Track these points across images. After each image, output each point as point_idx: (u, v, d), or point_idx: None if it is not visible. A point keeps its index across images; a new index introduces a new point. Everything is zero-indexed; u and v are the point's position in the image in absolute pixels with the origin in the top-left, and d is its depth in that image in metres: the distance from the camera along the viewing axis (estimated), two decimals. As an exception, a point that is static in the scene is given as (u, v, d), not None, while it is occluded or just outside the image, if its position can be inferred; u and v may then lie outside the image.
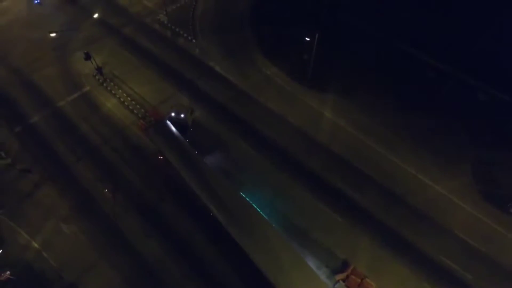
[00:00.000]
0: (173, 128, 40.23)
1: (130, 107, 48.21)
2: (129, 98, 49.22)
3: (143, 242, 36.85)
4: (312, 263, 33.17)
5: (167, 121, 41.20)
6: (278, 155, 43.33)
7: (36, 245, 36.61)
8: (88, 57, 49.14)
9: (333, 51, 52.66)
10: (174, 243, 36.87)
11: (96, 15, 57.17)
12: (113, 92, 50.00)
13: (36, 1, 63.14)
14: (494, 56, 49.67)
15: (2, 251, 35.39)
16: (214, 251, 36.11)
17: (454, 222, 38.29)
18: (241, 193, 35.73)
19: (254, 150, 43.67)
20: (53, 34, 49.85)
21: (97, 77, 51.64)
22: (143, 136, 44.69)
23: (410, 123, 46.24)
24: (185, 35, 58.20)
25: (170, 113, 43.36)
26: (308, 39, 46.58)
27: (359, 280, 33.62)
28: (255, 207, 34.42)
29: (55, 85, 51.02)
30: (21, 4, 63.94)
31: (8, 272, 33.07)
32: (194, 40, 57.33)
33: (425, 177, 41.68)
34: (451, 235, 37.52)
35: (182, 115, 43.45)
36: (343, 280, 33.89)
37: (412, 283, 34.27)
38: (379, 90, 49.30)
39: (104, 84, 50.94)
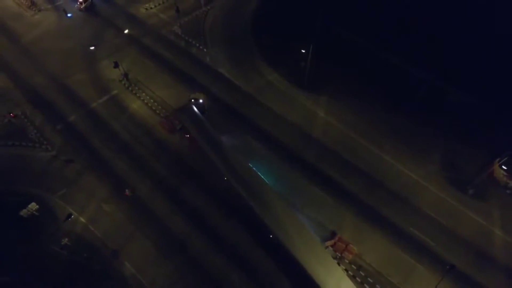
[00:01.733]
0: (196, 110, 50.14)
1: (153, 108, 56.67)
2: (151, 100, 57.67)
3: (169, 218, 45.31)
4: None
5: (192, 105, 51.10)
6: (278, 148, 51.73)
7: (83, 220, 45.01)
8: (116, 65, 57.64)
9: (327, 59, 60.91)
10: (194, 218, 45.30)
11: (126, 31, 65.51)
12: (137, 95, 58.46)
13: (68, 15, 71.11)
14: (463, 65, 58.54)
15: (55, 226, 43.81)
16: (228, 225, 44.55)
17: (423, 202, 46.84)
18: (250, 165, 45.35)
19: (258, 144, 52.02)
20: (92, 48, 58.26)
21: (123, 82, 60.04)
22: (164, 132, 53.23)
23: (390, 121, 54.77)
24: (197, 44, 66.63)
25: (191, 99, 52.86)
26: (303, 51, 55.03)
27: (344, 246, 42.28)
28: (262, 177, 43.71)
29: (87, 89, 59.42)
30: (51, 17, 72.27)
31: (66, 239, 41.53)
32: (205, 49, 65.73)
33: (401, 165, 50.24)
34: (420, 212, 46.03)
35: (201, 100, 53.47)
36: (332, 246, 42.47)
37: (386, 248, 42.81)
38: (365, 93, 57.80)
39: (130, 88, 59.37)
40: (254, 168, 45.18)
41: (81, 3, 73.02)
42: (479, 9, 67.88)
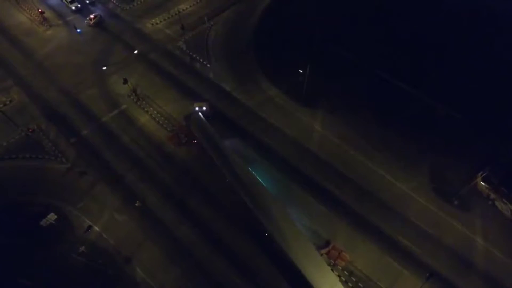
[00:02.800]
0: (202, 116, 55.19)
1: (160, 122, 60.53)
2: (158, 114, 61.53)
3: (177, 226, 49.13)
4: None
5: (198, 112, 56.46)
6: (277, 159, 55.52)
7: (97, 229, 48.86)
8: (125, 81, 61.58)
9: (323, 75, 64.86)
10: (199, 226, 49.10)
11: (136, 51, 69.32)
12: (145, 109, 62.33)
13: (78, 31, 75.10)
14: (449, 83, 62.48)
15: (72, 234, 47.68)
16: (231, 232, 48.34)
17: (411, 212, 50.62)
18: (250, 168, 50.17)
19: (258, 157, 55.81)
20: (104, 68, 62.16)
21: (131, 96, 63.89)
22: (171, 146, 57.10)
23: (382, 135, 58.54)
24: (201, 60, 70.50)
25: (195, 107, 57.79)
26: (301, 71, 58.88)
27: (338, 254, 46.14)
28: (261, 182, 48.43)
29: (98, 103, 63.29)
30: (62, 33, 76.20)
31: (83, 247, 45.41)
32: (208, 65, 69.56)
33: (391, 177, 54.04)
34: (408, 221, 49.81)
35: (204, 108, 58.23)
36: (326, 253, 46.29)
37: (376, 255, 46.59)
38: (359, 109, 61.61)
39: (138, 103, 63.22)
40: (253, 172, 49.69)
41: (91, 19, 76.96)
42: (466, 30, 71.91)
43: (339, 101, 62.91)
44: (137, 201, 50.41)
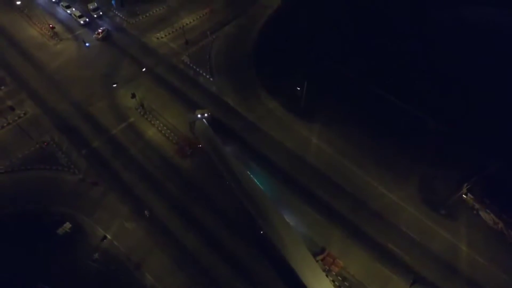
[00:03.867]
0: (205, 122, 59.67)
1: (166, 135, 64.18)
2: (165, 127, 65.19)
3: (183, 234, 52.74)
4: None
5: (202, 118, 60.84)
6: (275, 170, 59.15)
7: (109, 236, 52.50)
8: (133, 96, 65.34)
9: (320, 90, 68.49)
10: (204, 234, 52.75)
11: (144, 69, 73.16)
12: (152, 122, 65.98)
13: (87, 44, 78.81)
14: (438, 99, 66.25)
15: (86, 242, 51.39)
16: (233, 240, 52.02)
17: (401, 221, 54.29)
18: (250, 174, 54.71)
19: (259, 167, 59.39)
20: (114, 85, 65.89)
21: (138, 110, 67.55)
22: (177, 157, 60.76)
23: (376, 147, 62.16)
24: (204, 74, 74.16)
25: (198, 114, 61.80)
26: (298, 88, 62.60)
27: (332, 260, 49.81)
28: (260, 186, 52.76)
29: (107, 116, 66.93)
30: (72, 46, 79.86)
31: (97, 254, 49.14)
32: (211, 79, 73.20)
33: (383, 188, 57.72)
34: (398, 230, 53.50)
35: (206, 114, 61.96)
36: (322, 260, 49.96)
37: (367, 261, 50.26)
38: (354, 122, 65.26)
39: (145, 116, 66.87)
40: (251, 176, 54.29)
41: (98, 33, 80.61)
42: (453, 44, 75.78)
43: (335, 114, 66.56)
44: (146, 211, 54.00)
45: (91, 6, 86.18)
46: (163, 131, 64.63)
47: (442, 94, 67.48)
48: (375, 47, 75.56)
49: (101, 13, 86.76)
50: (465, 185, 55.15)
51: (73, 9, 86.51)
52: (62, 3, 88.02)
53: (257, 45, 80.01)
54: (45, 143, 61.67)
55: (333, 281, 48.33)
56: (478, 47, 75.25)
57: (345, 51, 75.71)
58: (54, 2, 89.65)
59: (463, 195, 55.53)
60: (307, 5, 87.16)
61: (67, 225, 51.33)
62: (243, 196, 51.53)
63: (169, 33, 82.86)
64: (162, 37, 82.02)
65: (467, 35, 78.56)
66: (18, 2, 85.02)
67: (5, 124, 64.99)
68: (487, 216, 53.68)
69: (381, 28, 79.53)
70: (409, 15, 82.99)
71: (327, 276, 47.60)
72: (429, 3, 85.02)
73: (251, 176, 54.61)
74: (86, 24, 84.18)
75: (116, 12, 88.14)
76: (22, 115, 66.62)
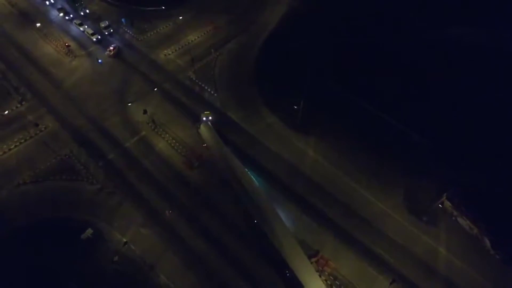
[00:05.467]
0: (209, 123, 67.01)
1: (175, 147, 70.36)
2: (174, 141, 71.38)
3: (192, 239, 58.92)
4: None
5: (206, 121, 68.48)
6: (273, 181, 65.31)
7: (125, 240, 58.72)
8: (145, 112, 71.65)
9: (316, 106, 74.63)
10: (211, 238, 58.97)
11: (155, 89, 79.58)
12: (162, 136, 72.16)
13: (99, 61, 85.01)
14: (424, 116, 72.76)
15: (106, 246, 57.60)
16: (237, 243, 58.20)
17: (387, 227, 60.62)
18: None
19: (259, 177, 65.51)
20: (129, 104, 72.15)
21: (149, 124, 73.73)
22: (185, 168, 66.97)
23: (366, 160, 68.39)
24: (208, 89, 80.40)
25: (203, 117, 69.18)
26: (296, 107, 68.94)
27: (325, 262, 56.16)
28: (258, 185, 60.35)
29: (121, 130, 73.06)
30: (86, 63, 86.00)
31: (117, 257, 55.41)
32: (215, 94, 79.43)
33: (372, 197, 64.02)
34: (385, 235, 59.76)
35: (210, 118, 69.45)
36: (316, 262, 56.23)
37: (356, 263, 56.59)
38: (347, 137, 71.57)
39: (155, 130, 73.06)
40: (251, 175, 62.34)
41: (110, 50, 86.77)
42: (440, 66, 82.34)
43: (329, 129, 72.93)
44: (167, 211, 60.30)
45: (102, 24, 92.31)
46: (172, 144, 70.83)
47: (426, 111, 73.84)
48: (367, 66, 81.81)
49: (111, 30, 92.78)
50: (445, 194, 61.47)
51: (86, 26, 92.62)
52: (75, 21, 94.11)
53: (257, 62, 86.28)
54: (67, 156, 67.66)
55: (326, 280, 54.63)
56: (460, 65, 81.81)
57: (341, 69, 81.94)
58: (67, 20, 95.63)
59: (443, 204, 61.79)
60: (302, 26, 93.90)
61: (89, 230, 57.57)
62: (242, 193, 58.53)
63: (176, 50, 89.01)
64: (169, 54, 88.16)
65: (450, 53, 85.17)
66: (38, 24, 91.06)
67: (27, 138, 71.05)
68: (464, 222, 60.04)
69: (373, 49, 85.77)
70: (398, 36, 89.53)
71: (320, 276, 53.89)
72: (417, 25, 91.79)
73: (250, 174, 62.04)
74: (98, 41, 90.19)
75: (126, 30, 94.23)
76: (43, 129, 72.69)
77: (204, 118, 69.62)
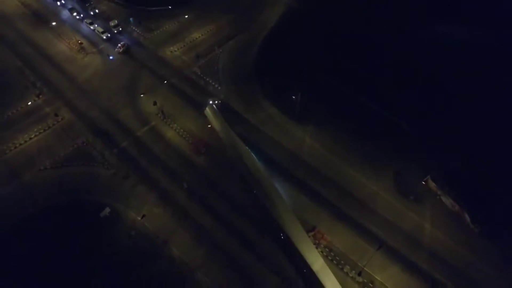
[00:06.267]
0: (215, 107, 73.43)
1: (183, 136, 76.29)
2: (181, 130, 77.31)
3: (200, 216, 64.88)
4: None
5: (212, 104, 75.27)
6: (274, 166, 71.39)
7: (139, 219, 64.58)
8: (155, 103, 77.67)
9: (313, 97, 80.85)
10: (217, 216, 64.92)
11: (165, 81, 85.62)
12: (170, 126, 78.09)
13: (110, 58, 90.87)
14: (412, 107, 79.06)
15: (123, 223, 63.50)
16: (242, 219, 64.20)
17: (378, 205, 66.72)
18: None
19: (260, 162, 71.45)
20: (142, 95, 78.09)
21: (158, 115, 79.65)
22: (193, 154, 72.94)
23: (359, 146, 74.53)
24: (213, 83, 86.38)
25: (210, 101, 75.30)
26: (294, 97, 75.07)
27: (321, 236, 62.22)
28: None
29: (132, 120, 78.95)
30: (97, 60, 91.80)
31: (134, 231, 61.23)
32: (219, 87, 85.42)
33: (364, 179, 70.11)
34: (376, 212, 65.86)
35: (216, 102, 76.03)
36: (313, 236, 62.24)
37: (349, 237, 62.66)
38: (341, 125, 77.69)
39: (164, 120, 78.99)
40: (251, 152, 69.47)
41: (120, 47, 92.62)
42: (431, 61, 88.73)
43: (325, 118, 79.01)
44: (184, 184, 67.11)
45: (112, 23, 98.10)
46: (180, 133, 76.77)
47: (414, 102, 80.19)
48: (361, 61, 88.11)
49: (120, 29, 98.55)
50: (429, 175, 67.71)
51: (96, 25, 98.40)
52: (86, 20, 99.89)
53: (257, 57, 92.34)
54: (85, 143, 73.51)
55: (322, 251, 60.69)
56: (450, 60, 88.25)
57: (337, 64, 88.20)
58: (78, 19, 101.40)
59: (428, 184, 68.00)
60: (299, 24, 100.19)
61: (107, 209, 63.44)
62: (244, 170, 65.37)
63: (181, 47, 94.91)
64: (175, 51, 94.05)
65: (441, 49, 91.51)
66: (54, 23, 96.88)
67: (46, 128, 76.84)
68: (446, 201, 66.20)
69: (367, 44, 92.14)
70: (391, 33, 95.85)
71: (316, 248, 59.91)
72: (409, 23, 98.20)
73: (250, 151, 68.78)
74: (108, 39, 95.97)
75: (134, 28, 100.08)
76: (60, 120, 78.49)
77: (211, 102, 76.44)
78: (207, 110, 75.87)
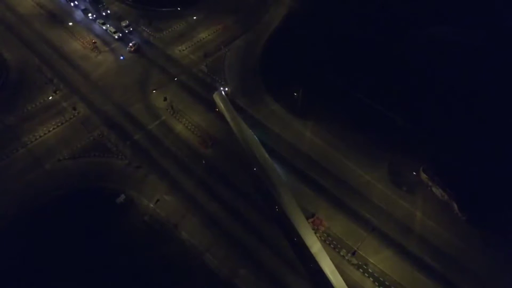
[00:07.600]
0: (224, 93, 79.42)
1: (191, 130, 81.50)
2: (190, 124, 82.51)
3: (207, 203, 70.00)
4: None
5: (222, 91, 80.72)
6: (276, 158, 76.35)
7: (152, 205, 69.80)
8: (165, 99, 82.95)
9: (314, 94, 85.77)
10: (224, 203, 70.07)
11: (176, 79, 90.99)
12: (179, 120, 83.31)
13: (121, 57, 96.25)
14: (406, 103, 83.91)
15: (137, 209, 68.80)
16: (246, 205, 69.22)
17: (373, 195, 71.63)
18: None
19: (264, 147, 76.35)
20: (154, 91, 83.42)
21: (168, 110, 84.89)
22: (200, 148, 78.14)
23: (356, 139, 79.46)
24: (219, 80, 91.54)
25: (219, 88, 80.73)
26: (295, 94, 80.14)
27: (320, 222, 67.25)
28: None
29: (144, 115, 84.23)
30: (110, 58, 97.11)
31: (147, 216, 66.54)
32: (225, 85, 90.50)
33: (360, 170, 75.06)
34: (370, 201, 70.76)
35: (226, 89, 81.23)
36: (312, 222, 67.24)
37: (346, 224, 67.63)
38: (340, 120, 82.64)
39: (174, 115, 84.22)
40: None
41: (131, 46, 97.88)
42: (425, 59, 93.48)
43: (324, 114, 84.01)
44: (203, 161, 74.37)
45: (123, 23, 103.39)
46: (188, 127, 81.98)
47: (408, 99, 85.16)
48: (359, 60, 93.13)
49: (131, 29, 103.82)
50: (421, 167, 72.63)
51: (108, 25, 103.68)
52: (98, 20, 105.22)
53: (262, 56, 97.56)
54: (101, 136, 78.89)
55: (320, 237, 65.72)
56: (442, 58, 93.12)
57: (337, 63, 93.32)
58: (91, 19, 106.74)
59: (420, 175, 72.88)
60: (301, 25, 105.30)
61: (122, 196, 68.80)
62: (251, 154, 70.72)
63: (189, 46, 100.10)
64: (183, 50, 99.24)
65: (435, 48, 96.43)
66: (70, 24, 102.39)
67: (64, 122, 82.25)
68: (436, 191, 71.04)
69: (366, 45, 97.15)
70: (389, 33, 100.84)
71: (315, 233, 64.89)
72: (405, 24, 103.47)
73: (254, 135, 74.40)
74: (119, 39, 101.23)
75: (144, 28, 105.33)
76: (76, 114, 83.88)
77: (221, 88, 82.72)
78: (216, 95, 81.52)
